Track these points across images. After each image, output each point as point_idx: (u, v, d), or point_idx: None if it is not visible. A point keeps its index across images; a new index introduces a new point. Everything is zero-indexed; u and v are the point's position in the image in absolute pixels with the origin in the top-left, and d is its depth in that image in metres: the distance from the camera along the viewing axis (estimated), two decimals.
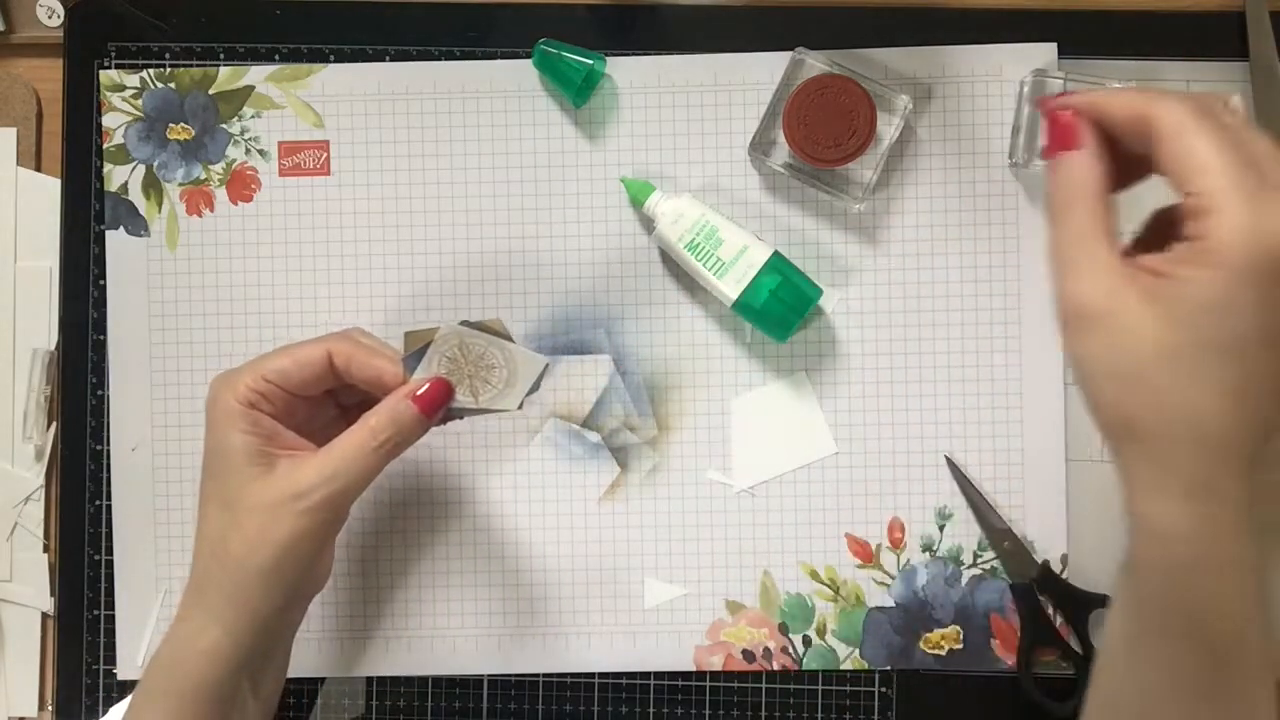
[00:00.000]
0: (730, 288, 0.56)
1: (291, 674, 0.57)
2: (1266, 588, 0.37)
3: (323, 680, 0.62)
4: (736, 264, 0.56)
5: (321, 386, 0.51)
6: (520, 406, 0.52)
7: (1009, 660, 0.61)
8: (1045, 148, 0.40)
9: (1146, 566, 0.39)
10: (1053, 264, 0.39)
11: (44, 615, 0.63)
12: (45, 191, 0.63)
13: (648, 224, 0.56)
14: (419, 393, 0.49)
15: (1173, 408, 0.37)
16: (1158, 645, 0.39)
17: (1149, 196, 0.62)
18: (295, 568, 0.49)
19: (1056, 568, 0.61)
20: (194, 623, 0.49)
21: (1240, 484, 0.37)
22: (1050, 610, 0.61)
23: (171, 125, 0.62)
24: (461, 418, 0.51)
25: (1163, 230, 0.40)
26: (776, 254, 0.57)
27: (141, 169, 0.62)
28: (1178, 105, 0.37)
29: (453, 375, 0.50)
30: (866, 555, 0.61)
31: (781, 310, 0.57)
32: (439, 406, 0.50)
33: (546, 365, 0.52)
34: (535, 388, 0.52)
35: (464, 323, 0.50)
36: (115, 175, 0.62)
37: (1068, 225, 0.39)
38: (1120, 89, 0.39)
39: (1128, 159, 0.40)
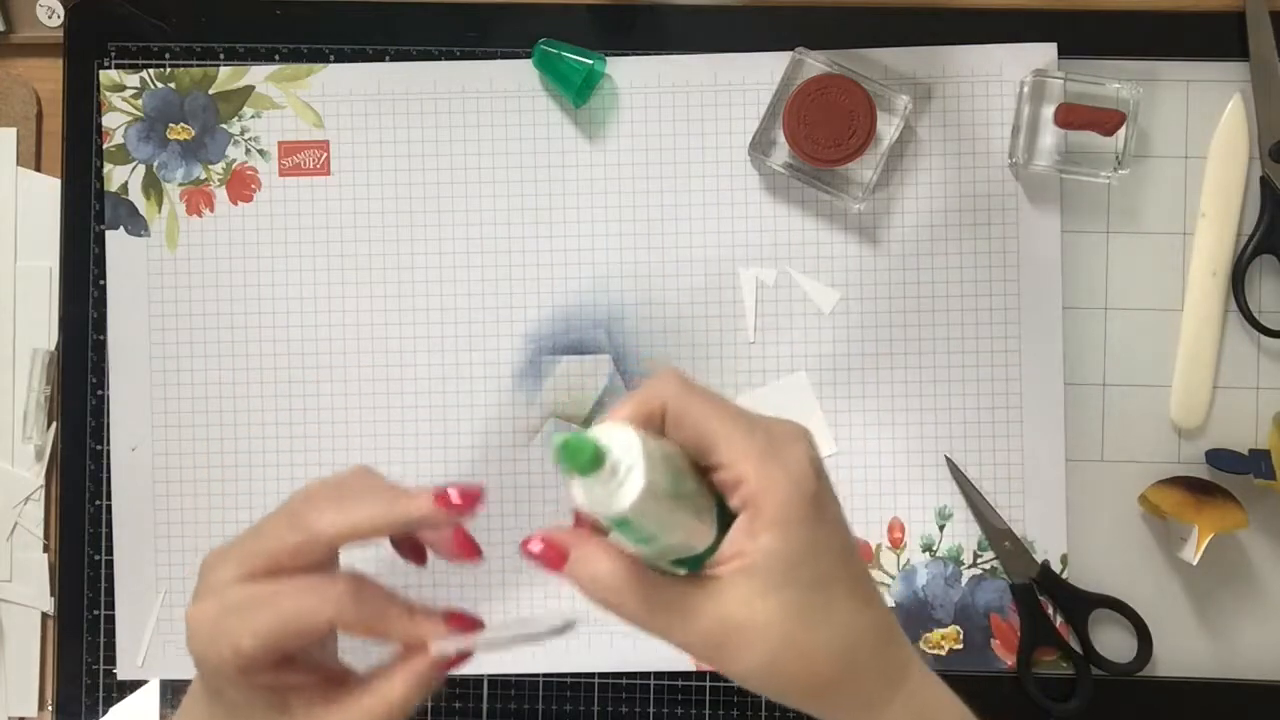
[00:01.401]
0: (707, 532, 0.39)
1: None
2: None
3: None
4: (700, 494, 0.39)
5: (322, 644, 0.44)
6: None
7: (1009, 660, 0.61)
8: (549, 570, 0.40)
9: None
10: (653, 634, 0.39)
11: (44, 615, 0.63)
12: (45, 191, 0.63)
13: (593, 493, 0.35)
14: (440, 660, 0.42)
15: (833, 649, 0.38)
16: None
17: (1149, 196, 0.62)
18: None
19: (1056, 568, 0.61)
20: None
21: (916, 653, 0.41)
22: (1050, 610, 0.61)
23: (171, 125, 0.62)
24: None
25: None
26: None
27: (141, 169, 0.62)
28: (679, 387, 0.38)
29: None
30: (866, 555, 0.61)
31: None
32: (464, 662, 0.43)
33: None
34: (570, 628, 0.44)
35: (514, 633, 0.42)
36: (115, 175, 0.62)
37: (627, 610, 0.39)
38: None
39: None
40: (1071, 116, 0.58)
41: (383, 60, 0.62)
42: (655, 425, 0.38)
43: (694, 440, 0.38)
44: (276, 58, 0.62)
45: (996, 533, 0.61)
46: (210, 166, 0.62)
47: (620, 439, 0.35)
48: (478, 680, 0.62)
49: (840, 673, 0.39)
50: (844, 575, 0.39)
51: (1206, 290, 0.60)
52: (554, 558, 0.39)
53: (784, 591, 0.38)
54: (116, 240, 0.62)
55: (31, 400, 0.63)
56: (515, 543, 0.62)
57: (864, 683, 0.40)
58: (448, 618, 0.42)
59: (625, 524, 0.35)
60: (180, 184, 0.62)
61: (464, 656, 0.42)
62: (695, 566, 0.39)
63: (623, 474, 0.34)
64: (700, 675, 0.62)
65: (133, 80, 0.62)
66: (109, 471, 0.62)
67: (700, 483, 0.38)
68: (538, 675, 0.62)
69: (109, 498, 0.62)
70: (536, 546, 0.39)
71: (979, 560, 0.61)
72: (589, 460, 0.33)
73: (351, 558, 0.44)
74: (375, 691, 0.41)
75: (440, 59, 0.62)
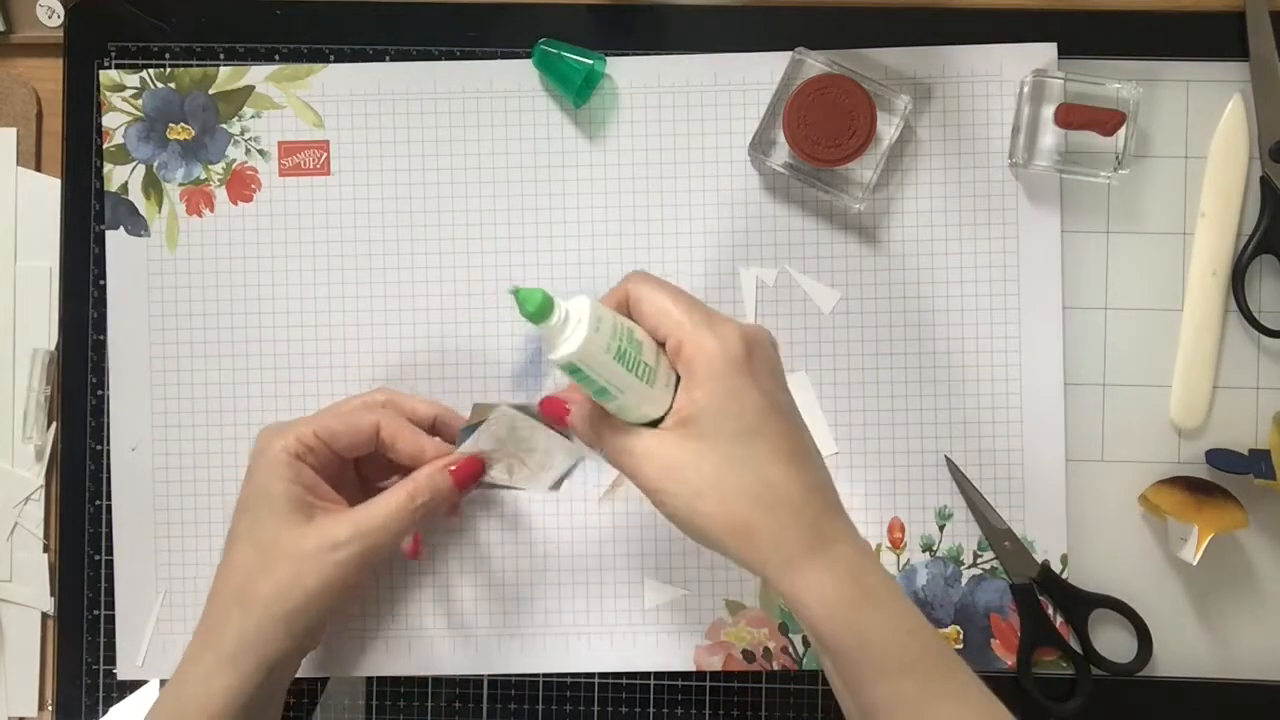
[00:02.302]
0: (663, 397, 0.46)
1: None
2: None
3: (323, 681, 0.62)
4: (660, 366, 0.46)
5: (362, 451, 0.54)
6: (552, 488, 0.55)
7: (1009, 660, 0.61)
8: (558, 421, 0.49)
9: (825, 628, 0.45)
10: (623, 469, 0.47)
11: (44, 615, 0.63)
12: (45, 191, 0.63)
13: (550, 341, 0.43)
14: (455, 467, 0.52)
15: (748, 492, 0.44)
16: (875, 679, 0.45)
17: (1149, 196, 0.62)
18: (318, 615, 0.51)
19: (1056, 568, 0.61)
20: (205, 665, 0.50)
21: (843, 523, 0.46)
22: (1050, 610, 0.61)
23: (171, 125, 0.62)
24: (494, 488, 0.53)
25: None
26: None
27: (141, 169, 0.62)
28: (639, 278, 0.46)
29: (495, 453, 0.53)
30: None
31: None
32: (473, 481, 0.53)
33: (581, 460, 0.54)
34: (567, 475, 0.55)
35: (520, 406, 0.51)
36: (115, 175, 0.62)
37: (603, 446, 0.47)
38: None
39: None
40: (1071, 116, 0.58)
41: (383, 60, 0.62)
42: (624, 311, 0.46)
43: (650, 318, 0.45)
44: (276, 58, 0.62)
45: (996, 533, 0.61)
46: (210, 166, 0.62)
47: (577, 303, 0.43)
48: (478, 680, 0.62)
49: (756, 517, 0.44)
50: (768, 431, 0.45)
51: (1206, 290, 0.60)
52: (560, 410, 0.48)
53: (710, 438, 0.44)
54: (116, 240, 0.62)
55: (31, 400, 0.63)
56: (514, 539, 0.62)
57: (783, 534, 0.44)
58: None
59: (576, 371, 0.43)
60: (180, 184, 0.62)
61: (474, 467, 0.52)
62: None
63: (571, 327, 0.43)
64: (700, 676, 0.62)
65: (133, 80, 0.62)
66: (109, 471, 0.62)
67: (661, 357, 0.46)
68: (538, 675, 0.62)
69: (109, 498, 0.62)
70: (550, 402, 0.49)
71: (979, 560, 0.61)
72: (538, 306, 0.42)
73: None
74: (399, 488, 0.51)
75: (440, 59, 0.62)
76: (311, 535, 0.50)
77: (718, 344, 0.44)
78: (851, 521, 0.46)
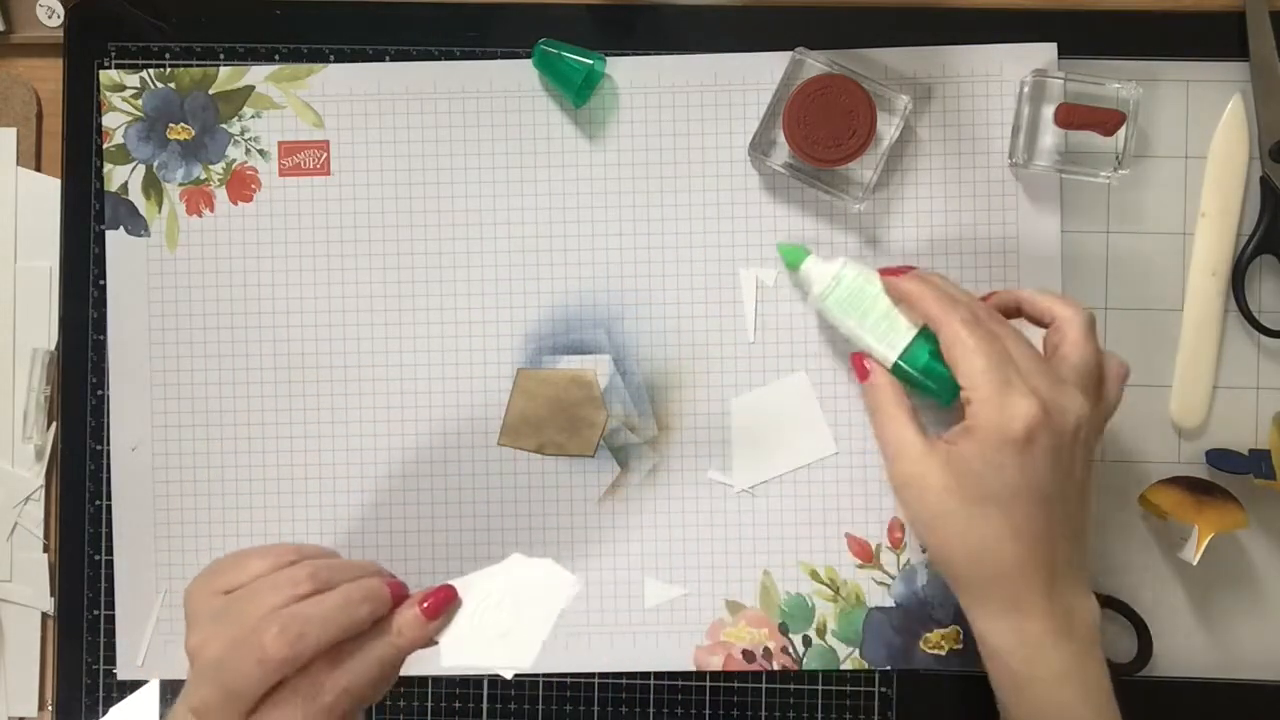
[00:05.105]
0: (890, 349, 0.55)
1: None
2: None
3: None
4: (893, 326, 0.55)
5: None
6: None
7: None
8: (858, 377, 0.56)
9: (994, 678, 0.52)
10: (882, 450, 0.54)
11: (44, 615, 0.63)
12: (45, 191, 0.63)
13: (804, 287, 0.59)
14: (426, 604, 0.48)
15: (968, 546, 0.50)
16: None
17: (1149, 196, 0.62)
18: None
19: None
20: None
21: (1045, 601, 0.49)
22: None
23: (171, 125, 0.62)
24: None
25: None
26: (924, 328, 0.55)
27: (141, 169, 0.62)
28: (953, 318, 0.51)
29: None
30: (867, 555, 0.61)
31: (942, 370, 0.53)
32: (443, 608, 0.49)
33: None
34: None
35: None
36: (115, 175, 0.62)
37: (882, 421, 0.54)
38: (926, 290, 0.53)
39: None
40: (1071, 116, 0.58)
41: (383, 60, 0.62)
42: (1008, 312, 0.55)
43: (957, 363, 0.51)
44: (276, 58, 0.62)
45: None
46: (210, 166, 0.62)
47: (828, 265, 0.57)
48: (477, 680, 0.62)
49: (968, 572, 0.50)
50: (1012, 510, 0.49)
51: (1206, 290, 0.60)
52: (862, 370, 0.56)
53: (959, 486, 0.49)
54: (116, 240, 0.62)
55: (31, 400, 0.63)
56: (514, 540, 0.62)
57: (994, 592, 0.50)
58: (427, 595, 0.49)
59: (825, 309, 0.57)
60: (180, 184, 0.62)
61: (443, 599, 0.49)
62: (945, 399, 0.54)
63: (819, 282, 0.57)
64: (700, 676, 0.62)
65: (133, 80, 0.62)
66: (109, 471, 0.62)
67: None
68: (538, 675, 0.62)
69: (109, 498, 0.62)
70: (859, 361, 0.56)
71: None
72: (791, 260, 0.59)
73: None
74: (381, 639, 0.47)
75: (440, 59, 0.62)
76: None
77: (999, 421, 0.48)
78: (1084, 594, 0.51)
